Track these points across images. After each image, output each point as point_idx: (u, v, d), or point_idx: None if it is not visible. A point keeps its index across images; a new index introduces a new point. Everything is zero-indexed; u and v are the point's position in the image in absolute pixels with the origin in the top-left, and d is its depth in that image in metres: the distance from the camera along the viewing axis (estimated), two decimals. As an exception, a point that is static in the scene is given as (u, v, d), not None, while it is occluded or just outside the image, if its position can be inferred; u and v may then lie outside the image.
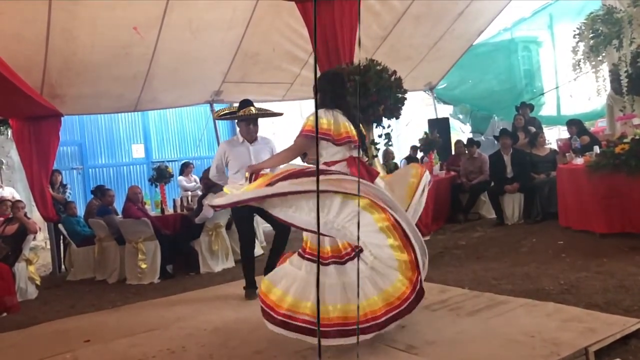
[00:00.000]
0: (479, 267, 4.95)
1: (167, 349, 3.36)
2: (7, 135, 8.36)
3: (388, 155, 8.81)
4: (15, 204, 6.20)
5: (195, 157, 11.56)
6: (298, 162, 3.35)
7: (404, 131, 13.28)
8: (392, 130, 6.19)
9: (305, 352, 2.97)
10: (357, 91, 5.24)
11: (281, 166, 3.31)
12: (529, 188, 6.93)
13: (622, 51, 6.03)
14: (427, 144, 8.79)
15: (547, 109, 10.47)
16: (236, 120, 4.85)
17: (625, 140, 5.23)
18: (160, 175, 7.60)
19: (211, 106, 8.67)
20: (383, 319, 2.72)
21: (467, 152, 8.38)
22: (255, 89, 8.41)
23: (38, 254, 6.95)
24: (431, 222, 7.22)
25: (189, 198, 7.46)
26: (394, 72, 5.93)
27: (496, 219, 7.25)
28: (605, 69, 6.58)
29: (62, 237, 7.42)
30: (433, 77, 10.55)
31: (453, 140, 10.35)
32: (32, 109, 6.46)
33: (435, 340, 2.97)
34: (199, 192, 7.47)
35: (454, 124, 12.00)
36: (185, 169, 8.84)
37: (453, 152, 9.69)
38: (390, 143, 6.29)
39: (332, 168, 3.12)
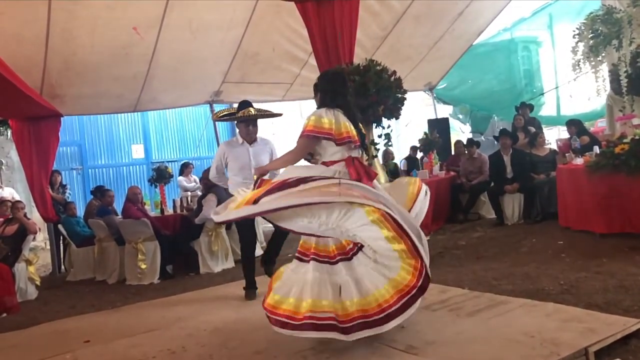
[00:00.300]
0: (478, 267, 4.95)
1: (167, 349, 3.36)
2: (7, 135, 8.37)
3: (388, 156, 8.81)
4: (15, 205, 6.20)
5: (195, 158, 11.56)
6: (302, 162, 3.33)
7: (403, 131, 13.29)
8: (391, 130, 6.18)
9: (305, 352, 2.97)
10: (356, 91, 5.25)
11: (280, 170, 3.36)
12: (528, 188, 6.93)
13: (622, 51, 6.03)
14: (426, 144, 8.79)
15: (546, 109, 10.47)
16: (235, 122, 4.85)
17: (624, 141, 5.23)
18: (160, 176, 7.60)
19: (211, 106, 8.67)
20: (397, 305, 2.75)
21: (466, 152, 8.38)
22: (255, 89, 8.42)
23: (38, 254, 6.95)
24: (431, 222, 7.21)
25: (189, 198, 7.46)
26: (394, 72, 5.93)
27: (496, 219, 7.25)
28: (604, 69, 6.58)
29: (61, 238, 7.42)
30: (433, 77, 10.55)
31: (453, 141, 10.36)
32: (31, 109, 6.46)
33: (435, 341, 2.97)
34: (199, 193, 7.47)
35: (454, 124, 12.01)
36: (185, 169, 8.84)
37: (453, 152, 9.69)
38: (390, 143, 6.29)
39: (331, 168, 3.11)
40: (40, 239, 9.55)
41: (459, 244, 6.25)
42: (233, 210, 2.95)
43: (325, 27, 5.87)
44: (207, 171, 6.86)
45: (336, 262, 2.91)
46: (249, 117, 4.55)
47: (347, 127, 3.14)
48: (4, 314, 5.09)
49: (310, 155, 3.32)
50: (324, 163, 3.17)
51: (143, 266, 6.10)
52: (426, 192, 3.40)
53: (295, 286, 2.95)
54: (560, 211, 6.08)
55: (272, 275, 3.19)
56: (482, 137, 10.71)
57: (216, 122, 8.91)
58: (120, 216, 6.78)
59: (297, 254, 3.09)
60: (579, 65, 6.42)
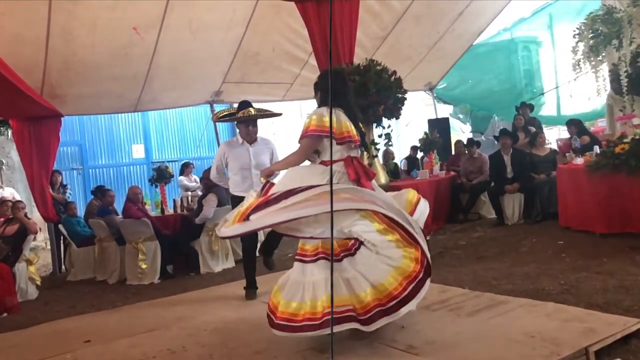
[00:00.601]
0: (479, 267, 4.95)
1: (167, 349, 3.36)
2: (8, 135, 8.37)
3: (388, 156, 8.82)
4: (16, 205, 6.20)
5: (195, 158, 11.55)
6: (306, 163, 3.32)
7: (404, 131, 13.29)
8: (392, 130, 6.18)
9: (305, 352, 2.98)
10: (356, 91, 5.24)
11: (282, 172, 3.37)
12: (529, 188, 6.93)
13: (622, 51, 6.03)
14: (427, 144, 8.79)
15: (547, 109, 10.47)
16: (235, 122, 4.85)
17: (625, 140, 5.23)
18: (161, 176, 7.60)
19: (211, 106, 8.67)
20: (407, 291, 2.80)
21: (467, 152, 8.39)
22: (255, 89, 8.42)
23: (38, 254, 6.95)
24: (431, 222, 7.21)
25: (189, 198, 7.46)
26: (394, 72, 5.93)
27: (496, 219, 7.25)
28: (605, 68, 6.58)
29: (62, 238, 7.43)
30: (433, 77, 10.55)
31: (453, 140, 10.36)
32: (32, 110, 6.46)
33: (436, 340, 2.97)
34: (199, 192, 7.48)
35: (454, 124, 12.00)
36: (185, 169, 8.85)
37: (453, 152, 9.69)
38: (390, 143, 6.29)
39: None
40: (41, 239, 9.55)
41: (459, 244, 6.25)
42: (230, 227, 2.96)
43: (326, 27, 5.87)
44: (207, 171, 6.87)
45: (341, 259, 2.94)
46: (249, 118, 4.55)
47: (348, 126, 3.15)
48: (5, 314, 5.09)
49: (316, 154, 3.31)
50: (322, 162, 3.17)
51: (143, 266, 6.10)
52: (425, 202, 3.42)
53: (307, 289, 2.93)
54: (561, 211, 6.09)
55: (275, 286, 3.12)
56: (483, 137, 10.71)
57: (216, 123, 8.91)
58: (120, 216, 6.78)
59: (298, 257, 3.07)
60: (579, 65, 6.43)
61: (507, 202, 7.12)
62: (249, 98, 4.90)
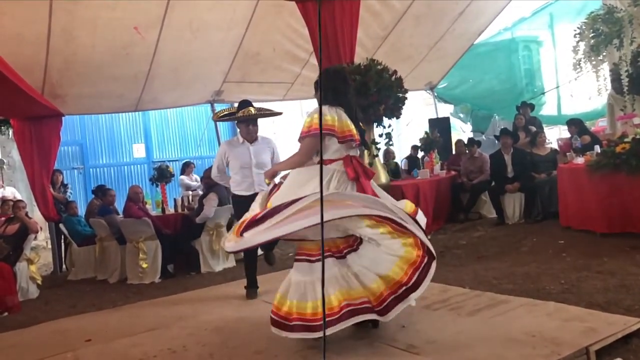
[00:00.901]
0: (479, 266, 4.95)
1: (168, 349, 3.36)
2: (9, 135, 8.37)
3: (389, 155, 8.82)
4: (17, 204, 6.21)
5: (196, 157, 11.56)
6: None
7: (404, 131, 13.28)
8: (392, 129, 6.20)
9: (305, 352, 2.98)
10: (357, 91, 5.24)
11: (283, 172, 3.38)
12: (529, 187, 6.93)
13: (623, 50, 6.03)
14: (427, 143, 8.79)
15: (547, 109, 10.46)
16: (236, 121, 4.85)
17: (625, 140, 5.23)
18: (161, 175, 7.60)
19: (212, 106, 8.67)
20: (416, 276, 2.83)
21: (467, 151, 8.38)
22: (255, 89, 8.42)
23: (39, 253, 6.96)
24: (432, 222, 7.22)
25: (190, 198, 7.47)
26: (395, 71, 5.94)
27: (497, 219, 7.25)
28: (605, 68, 6.58)
29: (63, 237, 7.43)
30: (434, 77, 10.55)
31: (454, 140, 10.35)
32: (33, 109, 6.46)
33: (436, 340, 2.97)
34: (200, 192, 7.48)
35: (455, 123, 12.00)
36: (186, 168, 8.86)
37: (454, 152, 9.69)
38: (390, 143, 6.31)
39: (329, 167, 3.10)
40: (42, 238, 9.56)
41: (460, 244, 6.25)
42: (228, 243, 2.96)
43: (326, 26, 5.87)
44: (208, 170, 6.87)
45: (345, 256, 2.98)
46: (249, 117, 4.55)
47: (349, 125, 3.14)
48: (5, 313, 5.10)
49: (316, 153, 3.29)
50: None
51: (144, 265, 6.10)
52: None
53: (318, 287, 2.92)
54: (561, 211, 6.08)
55: (278, 293, 3.10)
56: (483, 137, 10.70)
57: (217, 122, 8.92)
58: (121, 215, 6.79)
59: (303, 257, 3.04)
60: (579, 64, 6.43)
61: (507, 202, 7.12)
62: (250, 98, 4.90)
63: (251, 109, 4.55)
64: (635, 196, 4.98)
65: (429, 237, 3.07)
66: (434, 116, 10.96)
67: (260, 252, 4.56)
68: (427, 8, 8.25)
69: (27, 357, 3.59)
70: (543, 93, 10.47)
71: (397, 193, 6.70)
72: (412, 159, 9.77)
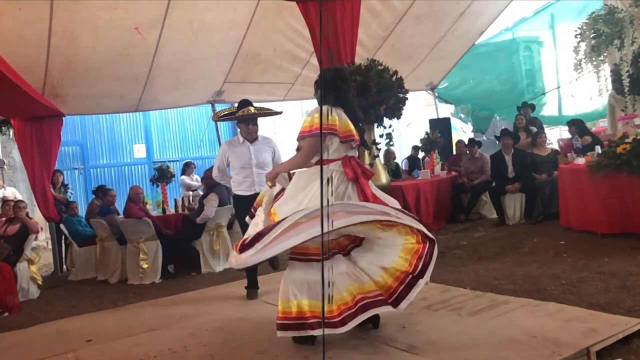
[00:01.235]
0: (480, 267, 4.95)
1: (168, 349, 3.36)
2: (9, 135, 8.38)
3: (389, 155, 8.81)
4: (17, 204, 6.21)
5: (196, 157, 11.56)
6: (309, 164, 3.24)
7: (405, 131, 13.28)
8: (393, 130, 6.19)
9: (306, 353, 2.98)
10: (358, 91, 5.24)
11: (284, 173, 3.37)
12: (530, 188, 6.93)
13: (624, 51, 6.03)
14: (428, 143, 8.79)
15: (548, 109, 10.46)
16: (236, 121, 4.85)
17: (626, 140, 5.22)
18: (162, 175, 7.61)
19: (212, 106, 8.67)
20: (422, 263, 2.88)
21: (468, 152, 8.38)
22: (256, 89, 8.42)
23: (40, 253, 6.95)
24: (432, 222, 7.22)
25: (190, 198, 7.47)
26: (395, 72, 5.93)
27: (497, 219, 7.25)
28: (606, 68, 6.57)
29: (63, 237, 7.43)
30: (434, 77, 10.55)
31: (454, 140, 10.35)
32: (33, 109, 6.47)
33: (437, 340, 2.97)
34: (201, 192, 7.48)
35: (455, 123, 12.00)
36: (187, 168, 8.87)
37: (454, 152, 9.68)
38: (391, 143, 6.30)
39: (328, 167, 3.09)
40: (42, 239, 9.58)
41: (461, 244, 6.25)
42: (232, 260, 2.89)
43: (327, 26, 5.87)
44: (208, 171, 6.87)
45: (348, 253, 3.02)
46: (248, 116, 4.53)
47: (349, 125, 3.13)
48: (6, 314, 5.10)
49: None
50: (319, 162, 3.15)
51: (145, 266, 6.10)
52: None
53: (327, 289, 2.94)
54: (562, 211, 6.08)
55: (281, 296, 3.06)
56: (484, 137, 10.70)
57: (217, 122, 8.92)
58: (121, 216, 6.79)
59: (308, 257, 3.01)
60: (580, 65, 6.43)
61: (508, 202, 7.12)
62: (250, 98, 4.89)
63: (251, 108, 4.54)
64: (636, 197, 4.98)
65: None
66: (435, 116, 10.95)
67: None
68: (428, 8, 8.25)
69: (28, 357, 3.59)
70: (544, 93, 10.46)
71: (397, 193, 6.70)
72: (412, 160, 9.77)
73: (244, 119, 4.56)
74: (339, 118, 3.08)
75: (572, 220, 5.81)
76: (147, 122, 12.37)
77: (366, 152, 5.81)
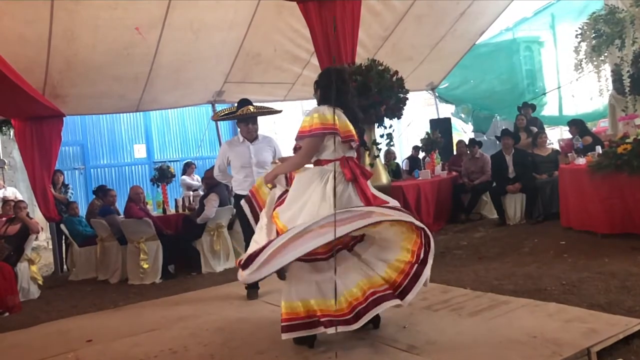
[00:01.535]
0: (480, 267, 4.95)
1: (169, 349, 3.36)
2: (10, 135, 8.38)
3: (390, 156, 8.81)
4: (18, 204, 6.21)
5: (197, 157, 11.57)
6: (309, 165, 3.22)
7: (405, 131, 13.29)
8: (393, 130, 6.19)
9: (306, 353, 2.98)
10: (358, 91, 5.23)
11: (280, 179, 3.37)
12: (530, 188, 6.93)
13: (625, 51, 6.01)
14: (428, 144, 8.79)
15: (549, 109, 10.46)
16: (236, 121, 4.84)
17: (627, 141, 5.22)
18: (162, 175, 7.61)
19: (213, 106, 8.67)
20: (421, 256, 2.89)
21: (469, 152, 8.38)
22: (256, 89, 8.42)
23: (40, 253, 6.95)
24: (433, 222, 7.22)
25: (191, 198, 7.47)
26: (396, 72, 5.93)
27: (498, 219, 7.24)
28: (607, 69, 6.56)
29: (64, 237, 7.44)
30: (435, 77, 10.55)
31: (455, 140, 10.34)
32: (34, 109, 6.47)
33: (437, 341, 2.97)
34: (201, 192, 7.48)
35: (456, 124, 12.00)
36: (187, 168, 8.88)
37: (455, 152, 9.68)
38: (391, 143, 6.29)
39: (326, 167, 3.10)
40: (43, 239, 9.58)
41: (461, 244, 6.24)
42: (239, 274, 2.90)
43: (327, 26, 5.87)
44: (208, 171, 6.87)
45: (351, 249, 3.03)
46: (247, 115, 4.51)
47: (348, 125, 3.13)
48: (6, 313, 5.11)
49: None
50: (318, 162, 3.14)
51: (145, 266, 6.10)
52: None
53: (338, 282, 2.95)
54: (562, 211, 6.08)
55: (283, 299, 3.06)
56: (484, 137, 10.70)
57: (218, 122, 8.92)
58: (122, 216, 6.79)
59: (312, 256, 2.98)
60: (581, 65, 6.41)
61: (508, 203, 7.12)
62: (251, 98, 4.89)
63: (250, 107, 4.53)
64: (637, 197, 4.97)
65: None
66: (435, 117, 10.95)
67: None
68: (428, 8, 8.25)
69: (28, 357, 3.59)
70: (544, 93, 10.46)
71: (398, 193, 6.70)
72: (413, 160, 9.77)
73: (244, 118, 4.55)
74: (338, 118, 3.08)
75: (572, 221, 5.81)
76: (147, 122, 12.37)
77: (366, 153, 5.81)
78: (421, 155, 9.56)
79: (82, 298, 5.68)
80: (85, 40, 6.34)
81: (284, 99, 9.11)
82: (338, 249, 2.98)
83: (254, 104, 4.66)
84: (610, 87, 6.81)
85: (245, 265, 2.78)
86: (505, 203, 7.14)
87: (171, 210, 7.28)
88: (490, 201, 7.63)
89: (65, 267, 7.48)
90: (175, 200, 7.51)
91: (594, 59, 6.27)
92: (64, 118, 7.11)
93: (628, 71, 6.03)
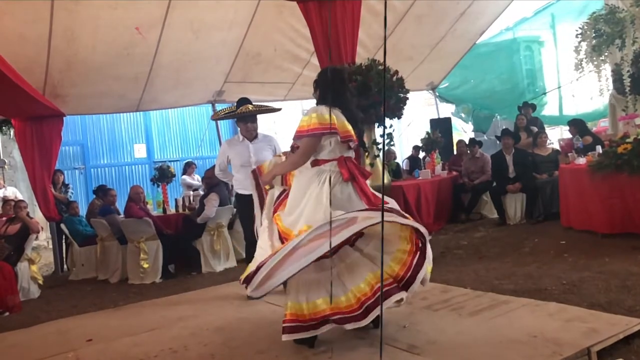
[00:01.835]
0: (480, 267, 4.95)
1: (169, 349, 3.36)
2: (10, 135, 8.38)
3: (390, 155, 8.81)
4: (18, 204, 6.21)
5: (197, 157, 11.58)
6: (307, 165, 3.20)
7: (405, 131, 13.28)
8: (393, 130, 6.18)
9: (307, 353, 2.98)
10: (358, 91, 5.23)
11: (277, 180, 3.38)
12: (531, 188, 6.92)
13: (625, 51, 6.01)
14: (429, 143, 8.77)
15: (549, 109, 10.45)
16: (236, 120, 4.84)
17: (627, 140, 5.22)
18: (162, 175, 7.61)
19: (213, 106, 8.67)
20: (419, 244, 2.91)
21: (469, 151, 8.38)
22: (257, 89, 8.41)
23: (40, 253, 6.96)
24: (433, 222, 7.22)
25: (191, 198, 7.47)
26: (396, 71, 5.92)
27: (498, 219, 7.24)
28: (607, 68, 6.56)
29: (64, 237, 7.44)
30: (435, 77, 10.54)
31: (455, 140, 10.34)
32: (34, 109, 6.47)
33: (437, 340, 2.97)
34: (201, 192, 7.48)
35: (456, 123, 11.99)
36: (187, 168, 8.88)
37: (455, 152, 9.68)
38: (392, 143, 6.29)
39: (322, 167, 3.09)
40: (43, 238, 9.59)
41: (461, 244, 6.24)
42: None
43: (327, 26, 5.86)
44: (208, 170, 6.87)
45: (353, 244, 3.04)
46: (245, 113, 4.50)
47: (346, 125, 3.12)
48: (7, 313, 5.11)
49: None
50: (316, 161, 3.14)
51: (145, 265, 6.10)
52: None
53: (343, 278, 2.98)
54: (563, 211, 6.08)
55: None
56: (485, 137, 10.69)
57: (218, 122, 8.92)
58: (122, 215, 6.79)
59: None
60: (581, 64, 6.40)
61: (509, 202, 7.11)
62: (251, 97, 4.89)
63: (249, 106, 4.53)
64: (637, 197, 4.97)
65: (430, 237, 3.08)
66: (435, 116, 10.95)
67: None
68: (428, 8, 8.24)
69: (29, 357, 3.59)
70: (544, 93, 10.45)
71: (398, 193, 6.70)
72: (413, 159, 9.77)
73: (243, 116, 4.55)
74: (336, 118, 3.07)
75: (572, 220, 5.80)
76: (147, 121, 12.38)
77: (365, 154, 5.81)
78: (421, 155, 9.56)
79: (82, 298, 5.68)
80: (85, 40, 6.34)
81: (284, 99, 9.10)
82: (341, 245, 2.98)
83: (254, 103, 4.66)
84: (611, 86, 6.81)
85: (247, 282, 2.84)
86: (505, 203, 7.14)
87: (171, 210, 7.28)
88: (491, 201, 7.63)
89: (65, 266, 7.48)
90: (176, 199, 7.51)
91: (594, 58, 6.27)
92: (64, 118, 7.10)
93: (628, 71, 6.03)
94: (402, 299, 2.95)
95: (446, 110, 11.58)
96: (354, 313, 2.85)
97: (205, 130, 12.03)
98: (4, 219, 6.22)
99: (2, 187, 9.02)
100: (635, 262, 4.34)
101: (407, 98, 6.02)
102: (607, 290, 3.70)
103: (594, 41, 6.21)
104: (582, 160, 5.89)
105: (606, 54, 6.27)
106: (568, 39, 7.70)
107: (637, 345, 2.79)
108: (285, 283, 3.83)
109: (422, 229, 2.89)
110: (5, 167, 10.47)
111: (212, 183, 6.52)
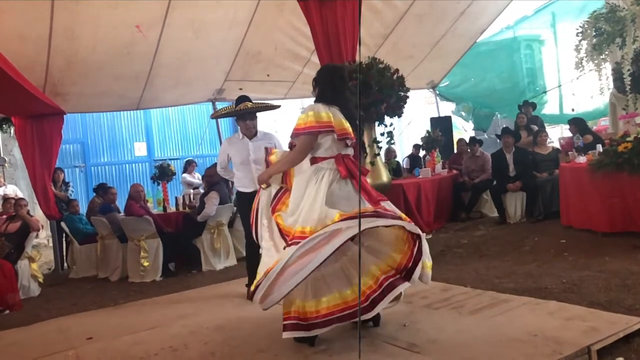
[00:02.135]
0: (481, 265, 4.95)
1: (169, 347, 3.37)
2: (10, 133, 8.38)
3: (390, 154, 8.80)
4: (18, 202, 6.22)
5: (197, 155, 11.57)
6: (306, 163, 3.20)
7: (406, 129, 13.28)
8: (394, 128, 6.18)
9: (307, 352, 2.98)
10: (355, 89, 5.22)
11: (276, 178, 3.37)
12: (531, 187, 6.92)
13: (625, 49, 6.00)
14: (429, 142, 8.77)
15: (549, 108, 10.45)
16: (235, 118, 4.83)
17: (628, 139, 5.21)
18: (163, 173, 7.61)
19: (213, 104, 8.67)
20: (417, 232, 2.94)
21: (469, 150, 8.37)
22: (257, 87, 8.41)
23: (40, 251, 6.97)
24: (433, 221, 7.22)
25: (191, 196, 7.48)
26: (396, 70, 5.92)
27: (498, 218, 7.24)
28: (608, 67, 6.55)
29: (64, 235, 7.44)
30: (435, 76, 10.53)
31: (455, 139, 10.34)
32: (34, 107, 6.47)
33: (437, 339, 2.97)
34: (202, 190, 7.48)
35: (456, 122, 11.99)
36: (188, 166, 8.88)
37: (455, 151, 9.67)
38: (392, 141, 6.29)
39: (320, 165, 3.10)
40: (43, 236, 9.59)
41: (461, 243, 6.24)
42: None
43: (328, 24, 5.86)
44: (209, 169, 6.87)
45: (353, 238, 2.99)
46: (244, 111, 4.49)
47: (344, 123, 3.11)
48: (7, 311, 5.12)
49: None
50: (314, 159, 3.14)
51: (145, 263, 6.11)
52: None
53: (349, 270, 3.02)
54: (563, 210, 6.07)
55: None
56: (485, 135, 10.69)
57: (218, 120, 8.92)
58: (122, 214, 6.79)
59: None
60: (582, 63, 6.40)
61: (509, 201, 7.11)
62: (251, 96, 4.88)
63: (248, 103, 4.52)
64: (637, 196, 4.97)
65: (430, 236, 3.11)
66: (436, 115, 10.94)
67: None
68: (428, 7, 8.23)
69: (29, 355, 3.59)
70: (545, 92, 10.44)
71: (398, 192, 6.71)
72: (413, 158, 9.76)
73: (242, 114, 4.54)
74: (333, 116, 3.07)
75: (573, 219, 5.80)
76: (148, 120, 12.37)
77: (368, 150, 5.82)
78: (422, 153, 9.55)
79: (82, 296, 5.69)
80: (85, 39, 6.33)
81: (284, 97, 9.10)
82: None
83: (254, 101, 4.65)
84: (611, 85, 6.80)
85: (254, 294, 2.91)
86: (505, 201, 7.14)
87: (171, 208, 7.29)
88: (491, 199, 7.63)
89: (65, 264, 7.48)
90: (176, 198, 7.52)
91: (595, 57, 6.26)
92: (64, 116, 7.10)
93: (629, 69, 6.02)
94: (400, 294, 2.98)
95: (446, 108, 11.57)
96: (361, 306, 2.87)
97: (205, 128, 12.03)
98: (4, 217, 6.22)
99: (3, 185, 9.02)
100: (635, 261, 4.34)
101: (408, 96, 6.03)
102: (607, 289, 3.70)
103: (595, 40, 6.20)
104: (582, 159, 5.89)
105: (606, 52, 6.27)
106: (568, 37, 7.70)
107: (637, 343, 2.79)
108: None
109: (412, 227, 2.91)
110: (6, 165, 10.48)
111: (213, 181, 6.52)
